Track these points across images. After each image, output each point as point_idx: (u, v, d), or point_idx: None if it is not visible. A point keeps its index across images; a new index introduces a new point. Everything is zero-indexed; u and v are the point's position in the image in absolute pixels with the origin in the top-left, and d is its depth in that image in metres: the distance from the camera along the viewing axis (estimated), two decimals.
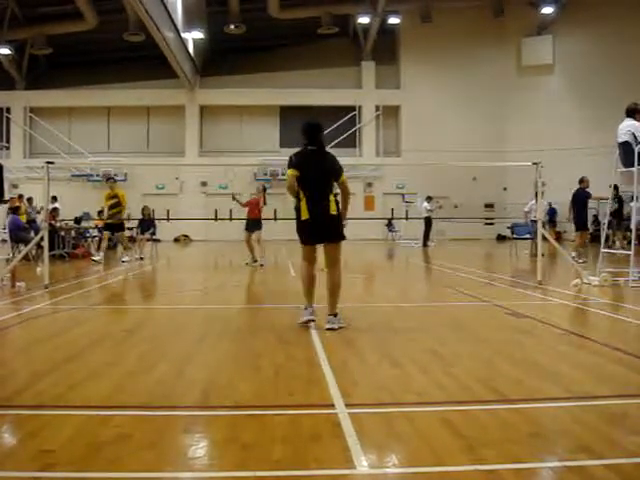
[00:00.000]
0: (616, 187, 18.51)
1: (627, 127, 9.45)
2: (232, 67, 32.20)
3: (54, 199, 16.31)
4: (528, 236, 17.48)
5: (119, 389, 3.97)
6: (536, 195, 12.04)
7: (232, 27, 29.17)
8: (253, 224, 14.33)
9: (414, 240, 24.78)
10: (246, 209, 14.68)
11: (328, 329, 5.93)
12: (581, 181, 15.06)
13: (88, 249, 18.91)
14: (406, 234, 27.04)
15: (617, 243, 19.10)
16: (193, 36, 30.28)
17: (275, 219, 29.34)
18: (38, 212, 17.98)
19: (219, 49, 32.45)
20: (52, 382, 4.08)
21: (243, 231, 14.54)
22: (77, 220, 20.12)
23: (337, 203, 6.19)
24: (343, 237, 6.27)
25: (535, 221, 16.27)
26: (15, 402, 3.65)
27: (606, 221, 12.92)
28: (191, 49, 30.40)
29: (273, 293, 9.83)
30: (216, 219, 27.19)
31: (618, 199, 18.61)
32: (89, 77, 31.57)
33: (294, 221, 6.23)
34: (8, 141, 31.43)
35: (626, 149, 9.47)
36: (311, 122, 6.50)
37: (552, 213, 25.54)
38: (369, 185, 32.04)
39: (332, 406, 3.55)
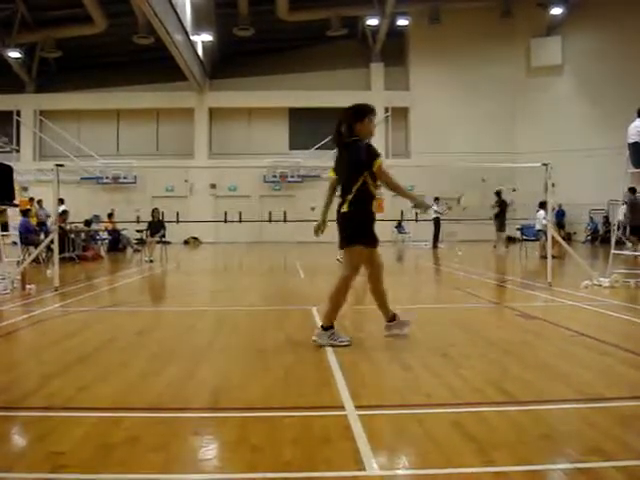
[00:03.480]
0: (499, 193, 18.86)
1: (637, 127, 9.42)
2: (241, 69, 32.27)
3: (61, 201, 16.34)
4: (533, 238, 17.49)
5: (129, 391, 3.97)
6: (544, 204, 11.85)
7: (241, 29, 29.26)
8: None
9: (424, 241, 24.74)
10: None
11: None
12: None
13: (98, 251, 19.04)
14: (416, 235, 27.00)
15: (502, 246, 19.49)
16: (202, 39, 30.39)
17: (285, 221, 29.44)
18: (48, 215, 18.05)
19: (228, 52, 32.52)
20: (62, 384, 4.10)
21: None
22: (87, 223, 20.20)
23: None
24: None
25: (540, 231, 16.28)
26: (26, 404, 3.66)
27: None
28: (200, 52, 30.50)
29: (282, 295, 9.83)
30: (225, 221, 27.26)
31: (500, 203, 18.99)
32: (98, 80, 31.73)
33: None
34: (18, 144, 31.58)
35: (636, 149, 9.43)
36: None
37: (560, 215, 25.45)
38: (378, 187, 31.96)
39: (342, 408, 3.54)
